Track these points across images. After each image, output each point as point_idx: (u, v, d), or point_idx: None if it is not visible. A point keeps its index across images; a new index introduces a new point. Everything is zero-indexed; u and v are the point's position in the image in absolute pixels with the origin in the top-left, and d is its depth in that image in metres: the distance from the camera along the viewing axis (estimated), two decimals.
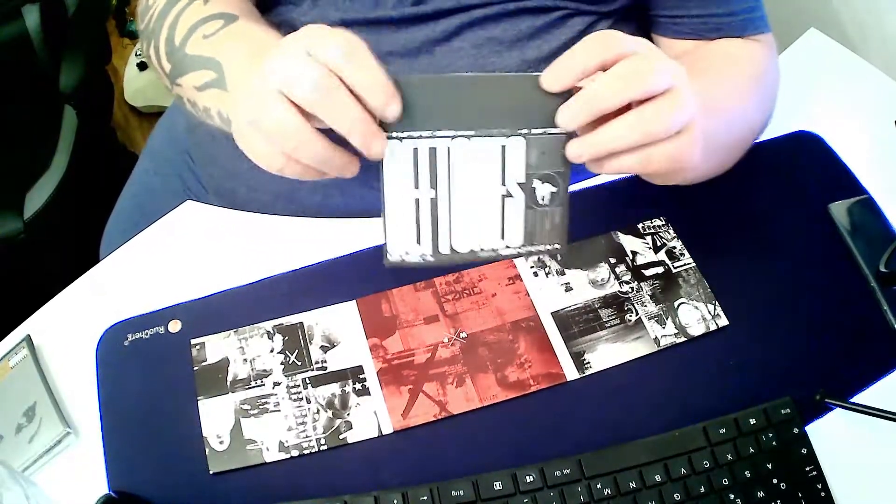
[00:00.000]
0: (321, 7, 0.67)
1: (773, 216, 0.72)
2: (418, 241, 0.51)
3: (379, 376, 0.63)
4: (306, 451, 0.60)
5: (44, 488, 0.58)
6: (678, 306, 0.66)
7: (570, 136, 0.50)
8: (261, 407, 0.62)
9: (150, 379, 0.64)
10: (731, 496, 0.56)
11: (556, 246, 0.53)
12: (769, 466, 0.57)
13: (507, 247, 0.53)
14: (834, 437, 0.60)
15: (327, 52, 0.45)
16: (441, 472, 0.58)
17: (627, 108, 0.48)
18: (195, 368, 0.64)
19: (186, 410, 0.62)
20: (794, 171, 0.75)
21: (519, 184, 0.51)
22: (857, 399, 0.61)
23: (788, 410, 0.59)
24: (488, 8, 0.66)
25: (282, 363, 0.64)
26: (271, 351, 0.64)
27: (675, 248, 0.69)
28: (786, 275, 0.68)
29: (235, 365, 0.64)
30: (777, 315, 0.66)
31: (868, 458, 0.59)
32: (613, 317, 0.66)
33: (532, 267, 0.69)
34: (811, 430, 0.60)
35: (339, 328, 0.65)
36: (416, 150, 0.49)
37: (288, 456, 0.59)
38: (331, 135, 0.47)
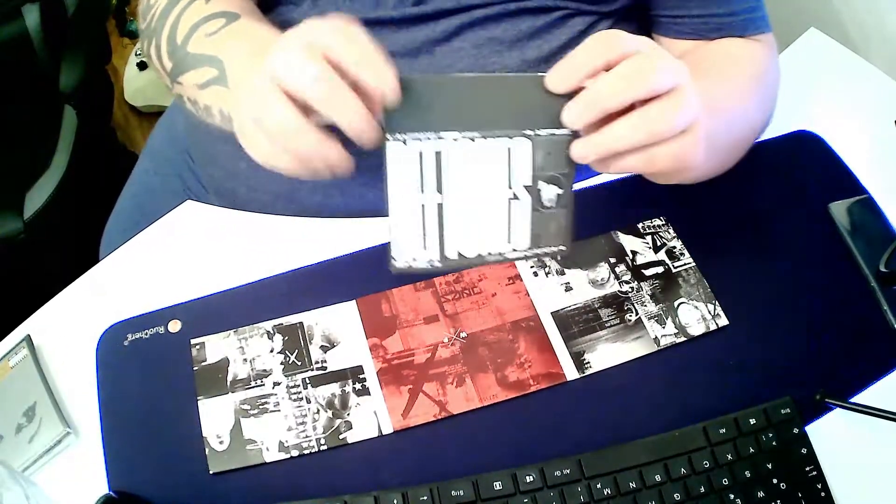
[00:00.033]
0: (321, 7, 0.67)
1: (773, 216, 0.72)
2: (425, 247, 0.51)
3: (379, 376, 0.63)
4: (306, 451, 0.60)
5: (44, 488, 0.58)
6: (678, 306, 0.66)
7: (575, 136, 0.50)
8: (261, 407, 0.62)
9: (149, 379, 0.64)
10: (731, 496, 0.56)
11: (562, 248, 0.53)
12: (769, 466, 0.57)
13: (514, 250, 0.52)
14: (834, 437, 0.60)
15: (323, 35, 0.45)
16: (441, 472, 0.58)
17: (631, 108, 0.48)
18: (195, 368, 0.64)
19: (186, 410, 0.62)
20: (794, 171, 0.75)
21: (525, 186, 0.51)
22: (857, 399, 0.61)
23: (788, 410, 0.59)
24: (489, 8, 0.66)
25: (282, 363, 0.64)
26: (271, 351, 0.64)
27: (675, 247, 0.69)
28: (786, 275, 0.68)
29: (235, 365, 0.64)
30: (777, 315, 0.66)
31: (868, 458, 0.59)
32: (613, 317, 0.66)
33: (532, 267, 0.69)
34: (811, 430, 0.60)
35: (338, 328, 0.65)
36: (421, 153, 0.48)
37: (288, 456, 0.59)
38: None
